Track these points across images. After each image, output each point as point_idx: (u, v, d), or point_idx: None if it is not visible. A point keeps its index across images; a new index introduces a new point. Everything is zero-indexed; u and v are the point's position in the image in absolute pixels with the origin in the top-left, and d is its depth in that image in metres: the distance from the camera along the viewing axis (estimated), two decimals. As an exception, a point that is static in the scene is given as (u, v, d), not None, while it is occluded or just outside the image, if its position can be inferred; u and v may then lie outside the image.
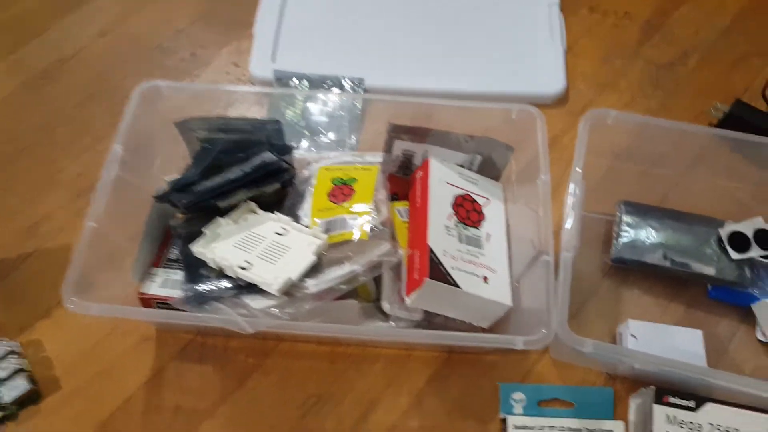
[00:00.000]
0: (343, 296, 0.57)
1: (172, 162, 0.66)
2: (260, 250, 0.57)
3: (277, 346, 0.63)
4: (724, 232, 0.64)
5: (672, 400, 0.54)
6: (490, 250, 0.59)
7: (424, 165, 0.62)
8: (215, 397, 0.60)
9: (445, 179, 0.61)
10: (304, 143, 0.74)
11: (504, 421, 0.57)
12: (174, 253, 0.62)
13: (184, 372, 0.62)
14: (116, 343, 0.63)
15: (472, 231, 0.59)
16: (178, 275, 0.60)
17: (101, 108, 0.80)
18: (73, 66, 0.83)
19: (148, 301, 0.60)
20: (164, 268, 0.62)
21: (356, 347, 0.62)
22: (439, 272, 0.54)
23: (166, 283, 0.60)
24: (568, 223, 0.54)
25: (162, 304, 0.59)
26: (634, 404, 0.58)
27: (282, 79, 0.78)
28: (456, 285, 0.54)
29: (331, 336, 0.61)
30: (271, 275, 0.54)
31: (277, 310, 0.52)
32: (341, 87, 0.77)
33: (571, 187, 0.56)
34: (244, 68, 0.82)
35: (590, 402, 0.58)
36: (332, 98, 0.74)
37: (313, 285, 0.54)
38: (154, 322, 0.63)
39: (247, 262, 0.56)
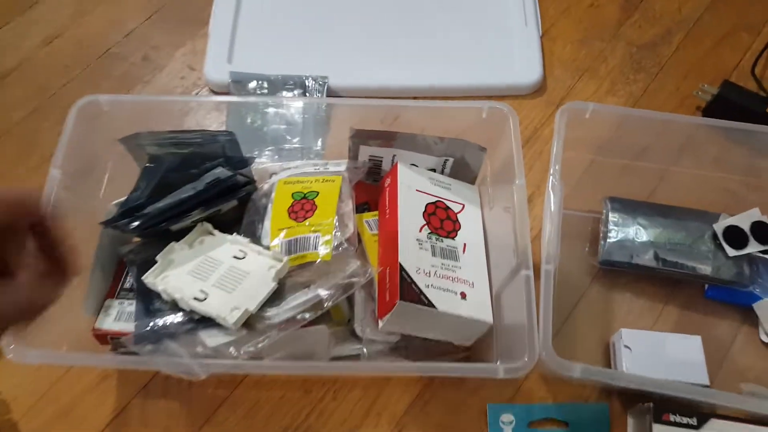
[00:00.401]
0: (315, 320, 0.53)
1: (123, 183, 0.60)
2: (216, 277, 0.52)
3: (246, 376, 0.58)
4: (719, 227, 0.59)
5: (672, 418, 0.50)
6: (467, 262, 0.54)
7: (392, 171, 0.57)
8: (182, 434, 0.56)
9: (414, 186, 0.56)
10: (267, 152, 0.68)
11: (492, 446, 0.53)
12: (129, 281, 0.57)
13: (148, 409, 0.57)
14: (74, 382, 0.58)
15: (446, 242, 0.54)
16: (134, 306, 0.55)
17: (48, 123, 0.74)
18: (16, 78, 0.77)
19: (102, 337, 0.55)
20: (120, 299, 0.57)
21: (338, 373, 0.58)
22: (412, 293, 0.49)
23: (121, 316, 0.55)
24: (548, 233, 0.49)
25: (117, 339, 0.54)
26: (632, 421, 0.54)
27: (240, 82, 0.73)
28: (431, 305, 0.50)
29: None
30: (228, 307, 0.49)
31: (232, 349, 0.47)
32: (304, 87, 0.72)
33: (549, 194, 0.51)
34: (200, 71, 0.77)
35: (585, 420, 0.54)
36: (295, 102, 0.69)
37: (274, 315, 0.49)
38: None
39: (203, 291, 0.51)
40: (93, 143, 0.59)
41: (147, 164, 0.57)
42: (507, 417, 0.55)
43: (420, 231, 0.54)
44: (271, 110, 0.69)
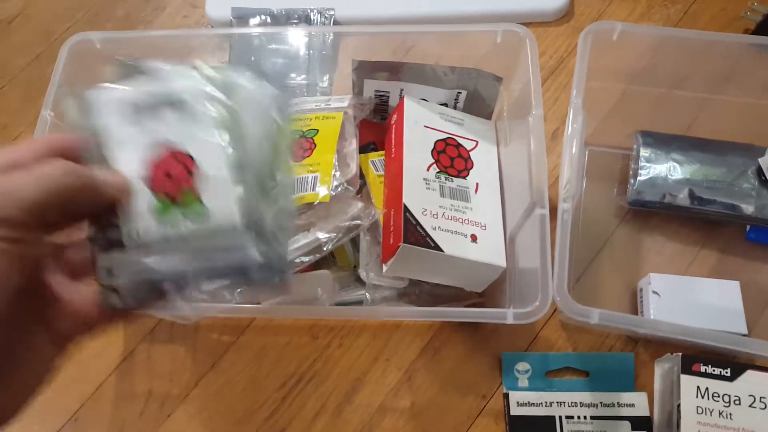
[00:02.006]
0: (319, 265, 0.50)
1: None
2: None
3: (252, 321, 0.56)
4: (765, 161, 0.53)
5: (704, 368, 0.45)
6: (479, 203, 0.50)
7: (398, 106, 0.53)
8: (188, 380, 0.55)
9: (422, 122, 0.52)
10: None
11: (506, 397, 0.50)
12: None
13: (154, 354, 0.57)
14: (81, 327, 0.58)
15: (457, 182, 0.50)
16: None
17: (51, 68, 0.72)
18: (19, 24, 0.75)
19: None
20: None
21: (339, 319, 0.55)
22: (416, 235, 0.46)
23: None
24: (567, 167, 0.44)
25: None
26: (659, 370, 0.50)
27: (242, 17, 0.69)
28: (438, 248, 0.46)
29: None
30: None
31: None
32: (309, 21, 0.67)
33: (569, 121, 0.46)
34: (202, 9, 0.73)
35: (607, 370, 0.50)
36: (299, 36, 0.64)
37: (271, 258, 0.47)
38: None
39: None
40: (86, 83, 0.56)
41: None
42: (523, 366, 0.51)
43: (428, 170, 0.50)
44: (274, 46, 0.65)
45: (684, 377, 0.45)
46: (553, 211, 0.44)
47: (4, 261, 0.24)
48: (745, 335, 0.48)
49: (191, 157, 0.28)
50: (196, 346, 0.56)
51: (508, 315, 0.41)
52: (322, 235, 0.47)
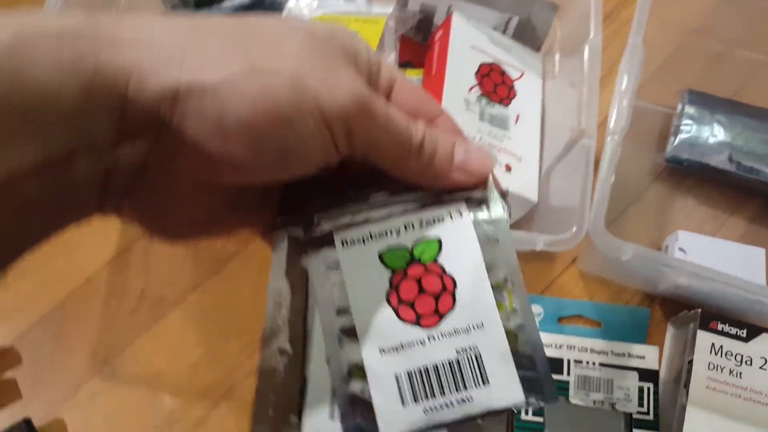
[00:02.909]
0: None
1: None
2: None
3: (261, 233, 0.54)
4: (812, 133, 0.52)
5: (721, 326, 0.44)
6: (518, 134, 0.48)
7: (446, 23, 0.50)
8: (186, 284, 0.53)
9: (470, 42, 0.49)
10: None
11: (515, 335, 0.48)
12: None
13: (152, 254, 0.54)
14: (78, 216, 0.55)
15: (498, 109, 0.48)
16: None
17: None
18: None
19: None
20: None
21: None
22: (452, 153, 0.43)
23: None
24: (618, 100, 0.42)
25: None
26: (672, 329, 0.49)
27: None
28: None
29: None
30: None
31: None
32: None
33: (627, 55, 0.43)
34: None
35: (620, 322, 0.49)
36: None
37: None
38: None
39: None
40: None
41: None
42: (535, 308, 0.50)
43: (469, 91, 0.47)
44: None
45: (700, 332, 0.44)
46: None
47: None
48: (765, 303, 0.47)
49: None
50: (199, 251, 0.54)
51: (537, 241, 0.40)
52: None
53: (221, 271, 0.53)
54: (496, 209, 0.23)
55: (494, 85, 0.49)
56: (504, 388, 0.21)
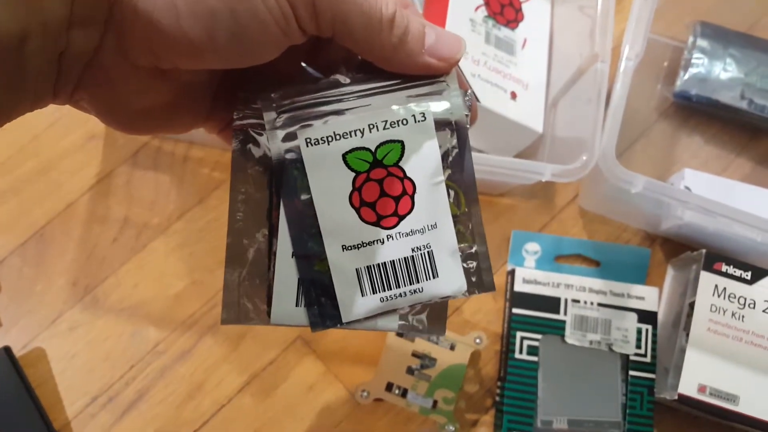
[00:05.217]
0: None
1: None
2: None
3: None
4: (829, 70, 0.49)
5: (725, 268, 0.43)
6: (524, 60, 0.45)
7: (453, -64, 0.47)
8: (170, 212, 0.51)
9: (477, -42, 0.46)
10: None
11: (512, 273, 0.47)
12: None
13: (135, 180, 0.51)
14: (58, 138, 0.52)
15: (504, 32, 0.45)
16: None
17: None
18: None
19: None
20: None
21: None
22: (455, 76, 0.41)
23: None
24: (636, 21, 0.39)
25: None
26: (672, 270, 0.48)
27: None
28: (474, 97, 0.41)
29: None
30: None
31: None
32: None
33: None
34: None
35: (620, 262, 0.48)
36: None
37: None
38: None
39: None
40: None
41: None
42: (532, 246, 0.48)
43: (476, 11, 0.44)
44: None
45: (704, 274, 0.43)
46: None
47: None
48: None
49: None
50: (184, 178, 0.51)
51: (545, 171, 0.38)
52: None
53: (206, 199, 0.51)
54: (458, 107, 0.23)
55: (501, 5, 0.46)
56: (450, 279, 0.23)
